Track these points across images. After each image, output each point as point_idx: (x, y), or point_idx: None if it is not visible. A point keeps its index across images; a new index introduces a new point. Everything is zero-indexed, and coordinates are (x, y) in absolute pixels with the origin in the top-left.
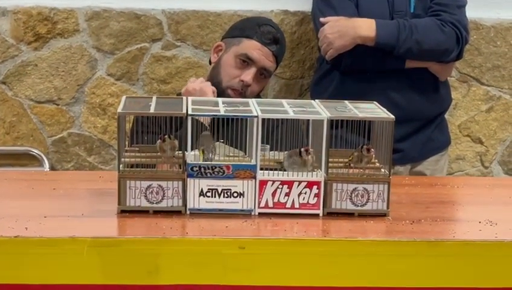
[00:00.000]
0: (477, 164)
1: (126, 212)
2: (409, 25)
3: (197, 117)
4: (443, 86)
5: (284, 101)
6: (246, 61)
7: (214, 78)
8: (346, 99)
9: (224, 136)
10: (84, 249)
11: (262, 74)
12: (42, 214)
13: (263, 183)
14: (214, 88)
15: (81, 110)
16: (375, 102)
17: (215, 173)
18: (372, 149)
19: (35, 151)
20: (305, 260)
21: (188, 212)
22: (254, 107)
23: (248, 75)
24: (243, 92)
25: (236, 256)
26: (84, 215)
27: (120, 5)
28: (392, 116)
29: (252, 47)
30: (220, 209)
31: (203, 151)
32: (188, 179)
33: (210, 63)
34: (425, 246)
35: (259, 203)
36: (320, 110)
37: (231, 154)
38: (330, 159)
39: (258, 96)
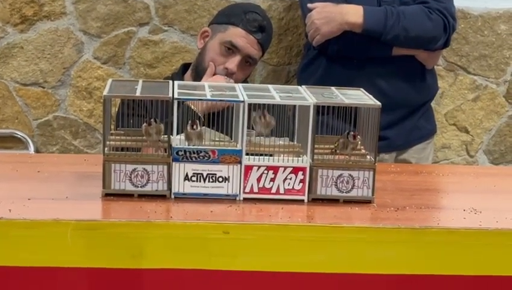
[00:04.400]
0: (463, 153)
1: (111, 195)
2: (397, 12)
3: (188, 104)
4: (430, 74)
5: (270, 87)
6: (230, 48)
7: (199, 65)
8: (332, 86)
9: (219, 125)
10: (68, 232)
11: (247, 61)
12: (26, 196)
13: (248, 168)
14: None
15: (67, 94)
16: (361, 89)
17: (201, 157)
18: (358, 136)
19: (20, 134)
20: (290, 245)
21: (172, 196)
22: (240, 92)
23: (232, 62)
24: None
25: (220, 241)
26: (68, 198)
27: None
28: (379, 103)
29: (237, 34)
30: (205, 194)
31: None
32: (173, 163)
33: (198, 49)
34: (409, 233)
35: (244, 188)
36: (307, 96)
37: (217, 139)
38: (316, 145)
39: (245, 82)
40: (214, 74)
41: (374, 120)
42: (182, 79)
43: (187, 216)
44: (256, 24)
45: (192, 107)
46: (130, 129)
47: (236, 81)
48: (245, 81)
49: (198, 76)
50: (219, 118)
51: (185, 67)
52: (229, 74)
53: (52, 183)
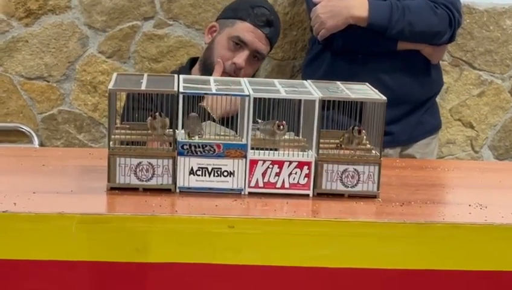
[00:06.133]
0: (468, 148)
1: (115, 189)
2: (402, 6)
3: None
4: (435, 69)
5: (276, 81)
6: (238, 43)
7: (207, 59)
8: (337, 81)
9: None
10: (73, 225)
11: (256, 56)
12: (31, 189)
13: (254, 162)
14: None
15: (72, 88)
16: (367, 83)
17: (206, 151)
18: (363, 130)
19: (25, 128)
20: (295, 240)
21: (177, 190)
22: (246, 86)
23: (240, 57)
24: (235, 74)
25: (225, 235)
26: (73, 191)
27: None
28: (384, 98)
29: (245, 29)
30: (210, 188)
31: (188, 134)
32: (178, 157)
33: (206, 44)
34: (414, 228)
35: (249, 183)
36: (312, 91)
37: (222, 133)
38: (321, 140)
39: (252, 77)
40: (223, 71)
41: (379, 115)
42: (189, 73)
43: (192, 210)
44: (264, 18)
45: (208, 109)
46: (135, 123)
47: (245, 76)
48: (253, 76)
49: (206, 71)
50: (234, 122)
51: (192, 61)
52: (237, 69)
53: (57, 177)
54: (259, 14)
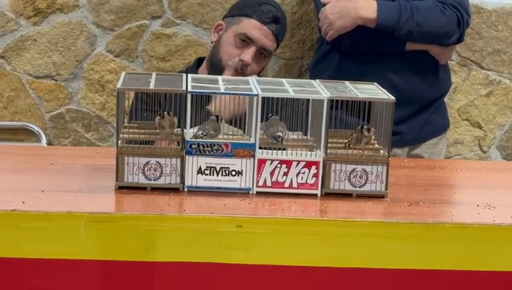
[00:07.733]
0: (476, 149)
1: (124, 188)
2: (410, 6)
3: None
4: (443, 69)
5: (284, 80)
6: (245, 40)
7: (214, 57)
8: (345, 80)
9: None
10: (81, 224)
11: (262, 53)
12: (39, 188)
13: (262, 162)
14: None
15: (80, 86)
16: (375, 83)
17: (214, 151)
18: (372, 129)
19: (33, 127)
20: (303, 239)
21: (185, 189)
22: (254, 86)
23: (247, 54)
24: (242, 71)
25: (233, 234)
26: (81, 190)
27: None
28: (393, 98)
29: (251, 26)
30: (218, 188)
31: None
32: (187, 156)
33: (212, 43)
34: (422, 228)
35: (257, 182)
36: (321, 90)
37: (230, 133)
38: (329, 140)
39: (258, 76)
40: (227, 67)
41: (387, 114)
42: (196, 73)
43: (200, 209)
44: (270, 15)
45: (214, 112)
46: (144, 122)
47: (251, 73)
48: (259, 74)
49: (213, 69)
50: (241, 123)
51: (199, 61)
52: (244, 66)
53: (65, 176)
54: (265, 11)
